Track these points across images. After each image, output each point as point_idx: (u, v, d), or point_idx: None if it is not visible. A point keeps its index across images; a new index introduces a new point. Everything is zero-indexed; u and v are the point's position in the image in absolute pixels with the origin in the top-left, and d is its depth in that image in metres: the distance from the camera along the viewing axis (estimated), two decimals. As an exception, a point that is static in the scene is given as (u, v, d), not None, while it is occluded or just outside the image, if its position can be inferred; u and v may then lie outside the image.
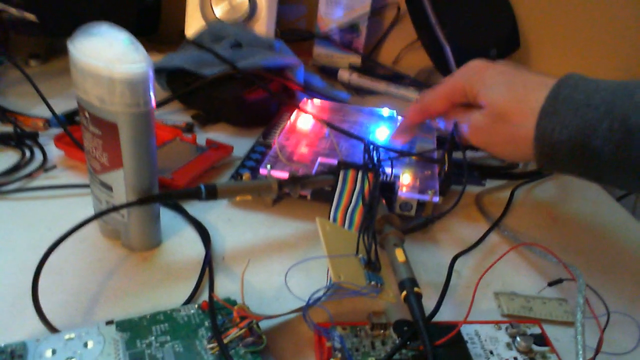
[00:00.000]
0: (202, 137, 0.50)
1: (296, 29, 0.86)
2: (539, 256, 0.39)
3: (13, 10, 0.58)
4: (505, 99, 0.34)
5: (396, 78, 0.75)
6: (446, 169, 0.42)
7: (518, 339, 0.29)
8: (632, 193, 0.33)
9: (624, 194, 0.56)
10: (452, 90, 0.39)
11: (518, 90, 0.34)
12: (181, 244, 0.37)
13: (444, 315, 0.32)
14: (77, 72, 0.31)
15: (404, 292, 0.29)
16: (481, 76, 0.37)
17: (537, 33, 0.87)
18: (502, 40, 0.75)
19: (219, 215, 0.40)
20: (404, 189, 0.41)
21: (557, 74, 0.34)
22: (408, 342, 0.28)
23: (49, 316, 0.29)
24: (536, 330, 0.30)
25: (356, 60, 0.82)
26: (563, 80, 0.32)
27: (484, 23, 0.74)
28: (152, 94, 0.31)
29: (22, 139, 0.48)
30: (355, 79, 0.74)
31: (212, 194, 0.34)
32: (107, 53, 0.30)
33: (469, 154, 0.48)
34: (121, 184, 0.33)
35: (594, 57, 0.88)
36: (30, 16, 0.59)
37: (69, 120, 0.51)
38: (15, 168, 0.43)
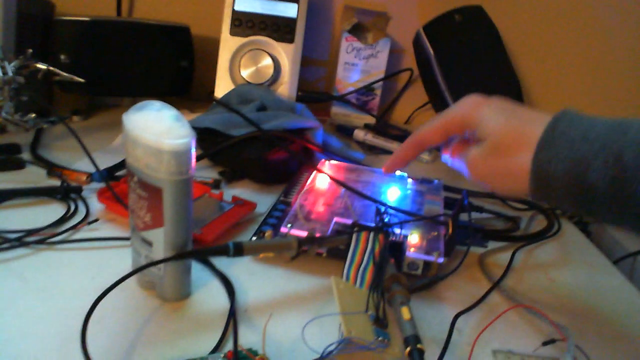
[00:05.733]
0: (228, 192, 0.55)
1: (316, 90, 0.93)
2: (535, 316, 0.42)
3: (64, 74, 0.65)
4: (503, 133, 0.35)
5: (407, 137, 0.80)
6: (450, 232, 0.46)
7: (511, 395, 0.32)
8: (628, 230, 0.34)
9: (621, 257, 0.59)
10: (449, 124, 0.40)
11: (515, 124, 0.35)
12: (208, 295, 0.41)
13: (445, 370, 0.35)
14: (129, 142, 0.36)
15: (408, 348, 0.32)
16: (479, 111, 0.37)
17: (541, 98, 0.92)
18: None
19: (242, 269, 0.44)
20: (412, 250, 0.44)
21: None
22: (411, 394, 0.31)
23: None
24: (529, 387, 0.33)
25: (371, 120, 0.87)
26: (559, 115, 0.34)
27: (490, 89, 0.78)
28: (193, 163, 0.36)
29: (68, 192, 0.53)
30: (370, 138, 0.79)
31: (239, 251, 0.38)
32: (157, 127, 0.35)
33: (473, 215, 0.52)
34: (161, 241, 0.37)
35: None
36: (79, 79, 0.66)
37: (110, 175, 0.56)
38: (61, 220, 0.48)
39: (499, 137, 0.35)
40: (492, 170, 0.37)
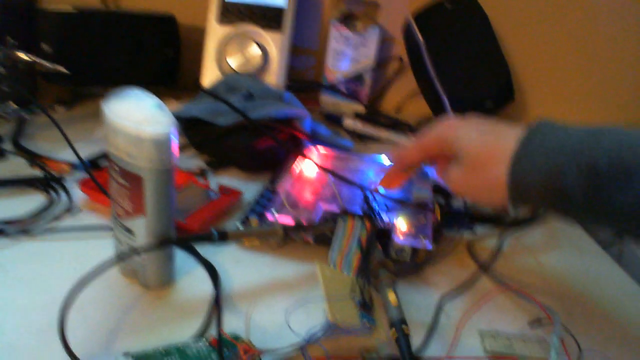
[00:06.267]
0: (214, 181, 0.55)
1: (305, 79, 0.92)
2: (522, 299, 0.41)
3: (47, 64, 0.64)
4: (478, 148, 0.36)
5: (397, 126, 0.80)
6: (438, 217, 0.45)
7: (497, 376, 0.31)
8: (607, 231, 0.35)
9: (610, 241, 0.59)
10: (427, 144, 0.41)
11: (490, 140, 0.36)
12: (193, 283, 0.40)
13: (432, 351, 0.35)
14: (109, 130, 0.36)
15: (394, 331, 0.32)
16: (454, 131, 0.39)
17: (532, 86, 0.91)
18: (498, 93, 0.79)
19: (228, 256, 0.44)
20: (400, 236, 0.44)
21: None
22: (396, 378, 0.31)
23: (72, 348, 0.32)
24: (515, 368, 0.33)
25: (361, 108, 0.86)
26: (534, 126, 0.34)
27: (480, 76, 0.79)
28: (175, 152, 0.35)
29: (50, 182, 0.52)
30: (359, 126, 0.78)
31: (224, 238, 0.37)
32: (137, 115, 0.35)
33: (462, 201, 0.51)
34: (142, 229, 0.36)
35: (588, 108, 0.92)
36: (62, 69, 0.65)
37: (92, 165, 0.55)
38: (43, 210, 0.48)
39: (475, 155, 0.37)
40: (471, 186, 0.38)
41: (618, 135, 0.31)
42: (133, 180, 0.35)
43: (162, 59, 0.79)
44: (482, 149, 0.36)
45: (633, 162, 0.29)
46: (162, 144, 0.34)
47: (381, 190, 0.49)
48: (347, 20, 0.86)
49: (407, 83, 0.90)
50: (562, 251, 0.51)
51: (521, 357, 0.35)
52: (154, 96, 0.36)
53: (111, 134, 0.35)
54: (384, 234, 0.44)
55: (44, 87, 0.78)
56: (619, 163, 0.30)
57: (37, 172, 0.54)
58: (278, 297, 0.39)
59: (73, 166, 0.55)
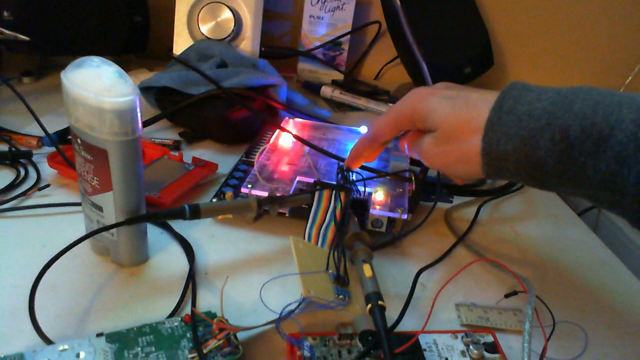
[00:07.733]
0: (189, 153, 0.53)
1: (281, 46, 0.89)
2: (499, 269, 0.42)
3: (6, 32, 0.61)
4: (451, 119, 0.35)
5: (376, 94, 0.79)
6: (413, 187, 0.45)
7: (471, 347, 0.32)
8: (585, 201, 0.34)
9: (586, 208, 0.60)
10: (398, 119, 0.39)
11: (463, 110, 0.35)
12: (167, 259, 0.39)
13: (408, 325, 0.35)
14: (69, 102, 0.34)
15: (369, 305, 0.32)
16: (425, 102, 0.37)
17: (511, 51, 0.91)
18: (477, 59, 0.78)
19: (203, 232, 0.43)
20: (376, 207, 0.43)
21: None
22: (371, 351, 0.31)
23: (43, 329, 0.31)
24: (489, 338, 0.33)
25: (339, 76, 0.85)
26: (506, 91, 0.33)
27: (459, 42, 0.77)
28: (139, 122, 0.34)
29: (17, 157, 0.50)
30: (338, 95, 0.77)
31: (196, 213, 0.36)
32: (97, 85, 0.33)
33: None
34: (111, 205, 0.35)
35: (566, 73, 0.92)
36: (23, 37, 0.62)
37: (61, 139, 0.53)
38: (10, 187, 0.46)
39: (448, 126, 0.35)
40: (446, 159, 0.36)
41: (590, 98, 0.30)
42: (97, 153, 0.34)
43: (130, 25, 0.75)
44: (455, 119, 0.35)
45: (605, 129, 0.28)
46: (124, 114, 0.33)
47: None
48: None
49: (386, 49, 0.88)
50: (538, 220, 0.51)
51: (497, 329, 0.35)
52: (114, 64, 0.35)
53: (71, 105, 0.34)
54: (360, 206, 0.44)
55: (10, 59, 0.74)
56: (591, 129, 0.29)
57: (3, 147, 0.52)
58: (254, 272, 0.39)
59: (41, 141, 0.53)
